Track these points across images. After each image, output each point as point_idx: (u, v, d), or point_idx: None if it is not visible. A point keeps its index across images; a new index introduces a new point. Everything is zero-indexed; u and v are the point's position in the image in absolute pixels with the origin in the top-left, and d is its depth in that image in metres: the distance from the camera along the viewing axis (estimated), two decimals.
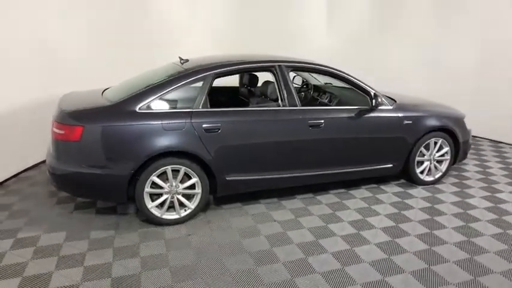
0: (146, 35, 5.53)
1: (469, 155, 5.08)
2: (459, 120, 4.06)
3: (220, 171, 3.17)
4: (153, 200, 3.06)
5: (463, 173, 4.44)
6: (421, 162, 3.98)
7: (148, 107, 2.98)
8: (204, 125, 3.04)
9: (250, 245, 2.85)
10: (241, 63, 3.35)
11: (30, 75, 4.14)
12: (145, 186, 2.98)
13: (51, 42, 4.41)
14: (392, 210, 3.47)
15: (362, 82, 3.69)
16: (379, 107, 3.65)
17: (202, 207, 3.27)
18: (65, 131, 2.84)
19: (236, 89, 4.60)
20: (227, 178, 3.22)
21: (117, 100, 3.01)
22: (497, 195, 3.82)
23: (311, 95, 4.53)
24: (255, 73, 4.26)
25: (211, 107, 3.16)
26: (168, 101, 3.09)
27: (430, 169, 4.02)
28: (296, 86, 4.68)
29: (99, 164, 2.88)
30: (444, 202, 3.65)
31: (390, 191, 3.89)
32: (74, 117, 2.86)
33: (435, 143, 3.94)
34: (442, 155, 4.03)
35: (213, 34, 6.24)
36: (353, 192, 3.86)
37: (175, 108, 3.08)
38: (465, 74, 5.94)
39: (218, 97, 4.42)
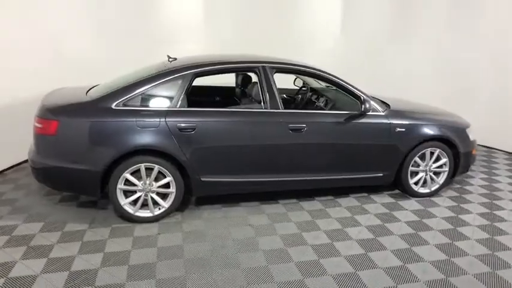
0: (156, 33, 5.63)
1: (479, 167, 4.76)
2: (460, 130, 3.80)
3: (195, 172, 3.14)
4: (127, 197, 3.09)
5: (466, 187, 4.16)
6: (416, 173, 3.77)
7: (125, 105, 3.01)
8: (178, 125, 3.03)
9: (219, 250, 2.80)
10: (222, 63, 3.31)
11: (39, 72, 4.31)
12: (118, 183, 3.01)
13: (61, 42, 4.60)
14: (376, 221, 3.30)
15: (352, 86, 3.54)
16: (369, 113, 3.48)
17: (178, 207, 3.26)
18: (43, 125, 2.92)
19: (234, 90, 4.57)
20: (202, 179, 3.19)
21: (95, 97, 3.06)
22: (497, 212, 3.54)
23: (307, 98, 4.41)
24: (247, 73, 4.22)
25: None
26: (146, 99, 3.10)
27: (426, 181, 3.80)
28: (297, 88, 4.59)
29: (73, 159, 2.94)
30: (435, 217, 3.43)
31: (380, 202, 3.71)
32: (50, 112, 2.94)
33: (432, 153, 3.71)
34: (440, 167, 3.79)
35: (220, 33, 6.24)
36: (340, 200, 3.71)
37: (152, 106, 3.08)
38: (481, 82, 5.57)
39: (214, 96, 4.42)
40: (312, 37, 6.74)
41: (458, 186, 4.18)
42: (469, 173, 4.58)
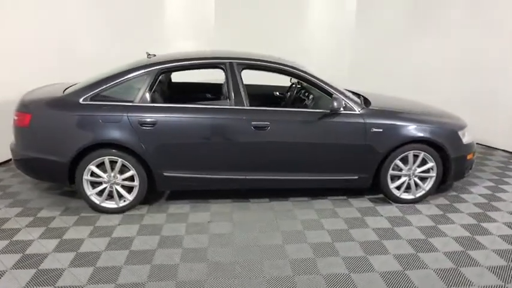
0: (165, 33, 5.83)
1: (490, 174, 4.32)
2: (450, 132, 3.47)
3: (157, 166, 3.22)
4: (94, 188, 3.25)
5: (464, 194, 3.79)
6: (399, 177, 3.51)
7: (92, 100, 3.16)
8: (139, 120, 3.12)
9: (170, 242, 2.85)
10: (187, 59, 3.34)
11: (50, 71, 4.66)
12: (84, 174, 3.17)
13: (71, 42, 4.94)
14: (342, 226, 3.14)
15: (325, 83, 3.38)
16: (343, 111, 3.31)
17: (142, 200, 3.36)
18: (19, 118, 3.17)
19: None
20: (165, 174, 3.25)
21: (67, 92, 3.25)
22: (486, 224, 3.19)
23: (294, 96, 4.29)
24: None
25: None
26: (112, 94, 3.21)
27: (410, 186, 3.53)
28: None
29: (44, 150, 3.15)
30: (410, 225, 3.17)
31: (356, 206, 3.51)
32: (25, 106, 3.18)
33: (416, 157, 3.43)
34: (427, 171, 3.49)
35: (232, 29, 6.29)
36: (315, 202, 3.58)
37: (116, 101, 3.19)
38: (505, 82, 5.03)
39: (197, 93, 4.47)
40: (326, 32, 6.54)
41: (454, 193, 3.82)
42: (473, 179, 4.17)
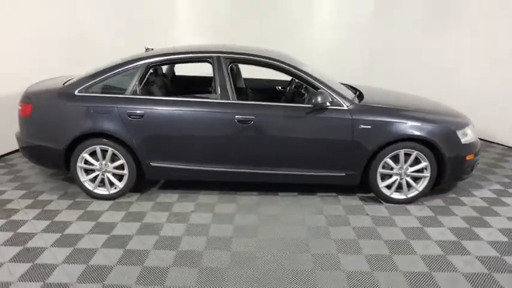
0: (180, 28, 5.99)
1: (502, 177, 4.04)
2: (446, 130, 3.28)
3: (144, 156, 3.34)
4: (88, 175, 3.44)
5: (463, 197, 3.58)
6: (391, 176, 3.39)
7: (86, 91, 3.33)
8: (128, 111, 3.25)
9: (148, 230, 2.97)
10: (175, 53, 3.42)
11: (68, 63, 4.98)
12: (78, 162, 3.36)
13: (89, 36, 5.24)
14: (322, 223, 3.09)
15: (312, 77, 3.33)
16: (330, 107, 3.24)
17: (132, 188, 3.50)
18: (22, 108, 3.42)
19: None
20: (152, 164, 3.37)
21: (66, 84, 3.45)
22: (478, 229, 3.00)
23: (292, 90, 4.25)
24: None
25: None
26: (105, 86, 3.37)
27: (401, 185, 3.39)
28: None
29: (43, 138, 3.38)
30: (394, 226, 3.06)
31: (345, 204, 3.44)
32: (27, 97, 3.42)
33: (408, 155, 3.29)
34: (421, 171, 3.34)
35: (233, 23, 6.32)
36: (303, 197, 3.55)
37: (108, 93, 3.34)
38: None
39: (194, 87, 4.55)
40: (345, 28, 6.40)
41: (453, 195, 3.62)
42: (481, 181, 3.93)
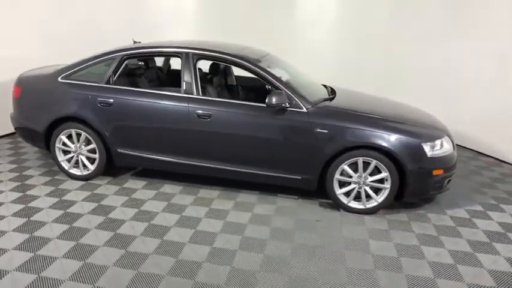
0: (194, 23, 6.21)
1: (492, 197, 3.73)
2: (411, 142, 3.09)
3: (112, 143, 3.56)
4: (65, 155, 3.74)
5: (432, 213, 3.34)
6: (350, 184, 3.28)
7: (67, 78, 3.62)
8: (99, 99, 3.48)
9: (96, 210, 3.18)
10: (149, 47, 3.58)
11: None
12: (56, 143, 3.67)
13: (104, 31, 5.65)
14: (264, 229, 3.09)
15: (274, 77, 3.31)
16: (289, 108, 3.21)
17: (102, 171, 3.74)
18: (14, 90, 3.79)
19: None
20: (119, 150, 3.58)
21: (53, 71, 3.77)
22: (426, 249, 2.80)
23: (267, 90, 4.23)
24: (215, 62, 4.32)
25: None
26: (85, 75, 3.62)
27: (360, 195, 3.27)
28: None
29: (29, 119, 3.73)
30: (338, 234, 2.96)
31: (302, 210, 3.38)
32: (19, 80, 3.79)
33: (367, 164, 3.17)
34: (381, 182, 3.20)
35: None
36: (261, 197, 3.55)
37: (86, 81, 3.59)
38: None
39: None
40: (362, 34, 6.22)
41: (422, 211, 3.40)
42: (465, 200, 3.64)
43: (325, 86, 4.20)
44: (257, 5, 6.49)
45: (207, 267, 2.50)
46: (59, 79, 3.63)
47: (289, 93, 3.24)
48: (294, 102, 3.23)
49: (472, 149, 5.24)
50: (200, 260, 2.58)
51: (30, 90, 3.71)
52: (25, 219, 2.98)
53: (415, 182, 3.15)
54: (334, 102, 3.44)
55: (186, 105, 3.35)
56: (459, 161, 4.74)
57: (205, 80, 4.07)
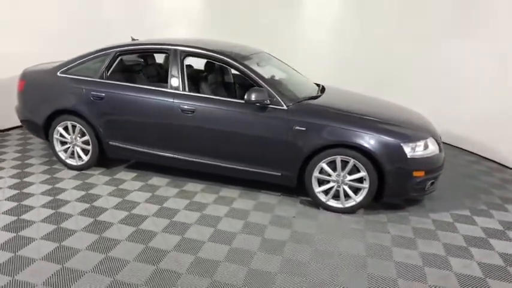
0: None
1: (486, 203, 3.61)
2: (390, 141, 3.05)
3: (104, 135, 3.73)
4: (62, 146, 3.95)
5: (414, 216, 3.28)
6: (328, 182, 3.28)
7: (65, 73, 3.83)
8: (92, 93, 3.66)
9: (84, 198, 3.35)
10: (140, 44, 3.73)
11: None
12: (54, 134, 3.89)
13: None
14: (238, 222, 3.13)
15: (257, 75, 3.36)
16: (270, 105, 3.25)
17: (95, 162, 3.92)
18: (19, 84, 4.05)
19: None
20: (110, 142, 3.75)
21: (54, 66, 3.99)
22: (397, 250, 2.76)
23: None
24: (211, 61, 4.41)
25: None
26: (81, 70, 3.80)
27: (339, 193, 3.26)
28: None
29: (31, 111, 3.97)
30: (310, 232, 2.97)
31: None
32: (23, 75, 4.04)
33: (346, 163, 3.16)
34: (360, 181, 3.18)
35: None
36: (244, 192, 3.60)
37: (81, 76, 3.78)
38: None
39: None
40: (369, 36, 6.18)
41: (405, 213, 3.33)
42: (456, 204, 3.54)
43: (318, 84, 4.21)
44: (257, 5, 6.60)
45: (172, 256, 2.59)
46: (58, 73, 3.85)
47: (270, 90, 3.29)
48: (274, 99, 3.27)
49: (475, 153, 5.06)
50: (167, 248, 2.67)
51: (32, 84, 3.95)
52: (16, 203, 3.19)
53: (394, 182, 3.11)
54: (318, 101, 3.45)
55: (172, 100, 3.46)
56: (460, 165, 4.63)
57: (200, 77, 4.18)
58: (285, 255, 2.65)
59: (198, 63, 4.35)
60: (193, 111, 3.41)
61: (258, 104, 3.25)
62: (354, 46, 6.24)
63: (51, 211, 3.10)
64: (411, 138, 3.12)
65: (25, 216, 2.99)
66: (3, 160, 4.13)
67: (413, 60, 5.68)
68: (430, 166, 3.16)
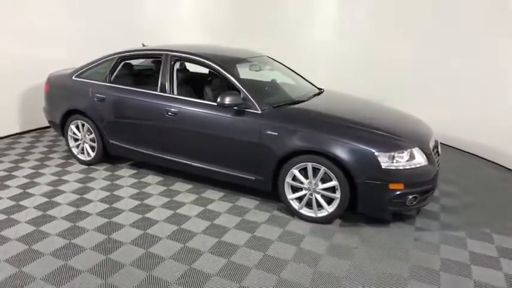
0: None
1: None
2: (363, 150, 2.85)
3: (106, 134, 4.06)
4: (75, 142, 4.38)
5: (392, 227, 3.01)
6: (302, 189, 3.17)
7: (79, 77, 4.25)
8: (96, 95, 4.02)
9: (79, 190, 3.68)
10: (140, 50, 4.02)
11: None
12: (68, 131, 4.33)
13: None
14: (204, 223, 3.17)
15: (236, 78, 3.40)
16: (246, 109, 3.26)
17: (101, 158, 4.27)
18: (45, 87, 4.59)
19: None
20: (111, 141, 4.06)
21: (73, 70, 4.46)
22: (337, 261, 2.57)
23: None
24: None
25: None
26: (91, 74, 4.19)
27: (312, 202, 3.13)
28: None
29: (52, 112, 4.48)
30: (271, 242, 2.90)
31: (257, 213, 3.33)
32: (48, 79, 4.57)
33: (316, 170, 3.02)
34: (333, 191, 3.02)
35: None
36: (225, 195, 3.62)
37: (90, 79, 4.16)
38: None
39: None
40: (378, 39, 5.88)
41: (385, 228, 3.07)
42: (450, 220, 3.18)
43: (320, 89, 4.11)
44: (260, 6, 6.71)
45: (124, 249, 2.73)
46: (73, 77, 4.29)
47: (247, 94, 3.29)
48: (249, 103, 3.27)
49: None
50: (125, 241, 2.82)
51: (55, 87, 4.45)
52: (21, 190, 3.63)
53: (367, 195, 2.90)
54: (300, 105, 3.40)
55: (160, 102, 3.65)
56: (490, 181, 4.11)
57: (205, 81, 4.36)
58: (232, 259, 2.63)
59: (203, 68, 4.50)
60: (176, 114, 3.55)
61: (235, 108, 3.29)
62: (355, 47, 6.15)
63: (44, 199, 3.47)
64: (389, 148, 2.89)
65: (22, 203, 3.38)
66: (32, 153, 4.70)
67: (414, 62, 5.40)
68: (412, 179, 2.89)
